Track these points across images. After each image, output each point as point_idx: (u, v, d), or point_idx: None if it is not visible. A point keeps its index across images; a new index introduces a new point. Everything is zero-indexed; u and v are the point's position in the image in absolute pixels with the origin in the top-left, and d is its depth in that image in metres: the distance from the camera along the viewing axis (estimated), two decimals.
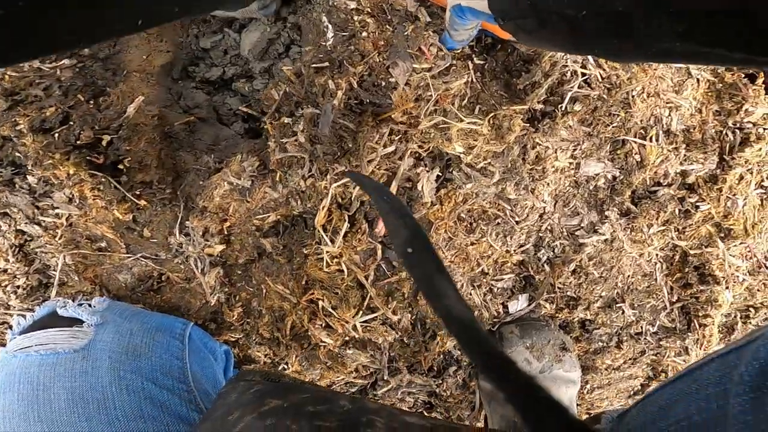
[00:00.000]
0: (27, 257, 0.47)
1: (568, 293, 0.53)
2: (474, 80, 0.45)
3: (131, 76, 0.50)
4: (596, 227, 0.51)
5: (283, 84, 0.49)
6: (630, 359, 0.59)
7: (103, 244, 0.49)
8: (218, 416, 0.40)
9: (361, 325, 0.51)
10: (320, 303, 0.50)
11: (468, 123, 0.44)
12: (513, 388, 0.19)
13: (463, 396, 0.56)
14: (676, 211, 0.51)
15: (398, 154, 0.45)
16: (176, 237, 0.50)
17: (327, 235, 0.45)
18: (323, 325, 0.52)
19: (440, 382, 0.55)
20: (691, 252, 0.53)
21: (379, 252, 0.48)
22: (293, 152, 0.45)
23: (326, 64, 0.44)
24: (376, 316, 0.51)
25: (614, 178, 0.50)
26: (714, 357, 0.30)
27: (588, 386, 0.60)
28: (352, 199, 0.45)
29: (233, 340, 0.55)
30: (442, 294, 0.20)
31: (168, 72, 0.57)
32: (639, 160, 0.49)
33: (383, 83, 0.44)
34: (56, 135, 0.42)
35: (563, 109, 0.45)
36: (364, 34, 0.43)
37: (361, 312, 0.50)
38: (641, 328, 0.56)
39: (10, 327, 0.53)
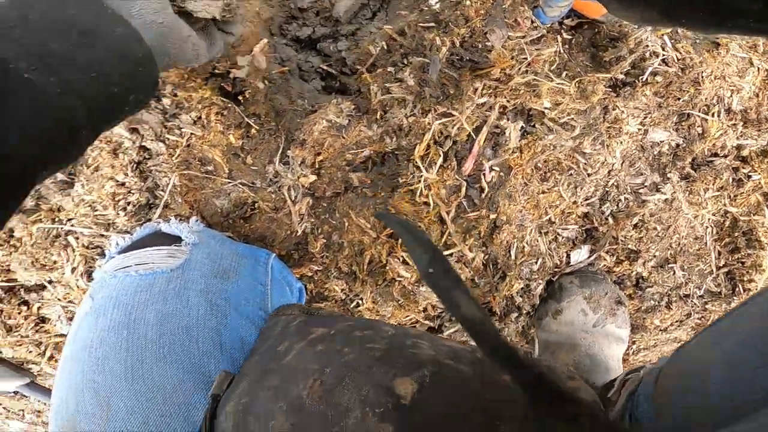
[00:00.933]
0: (142, 174, 0.53)
1: (629, 246, 0.58)
2: (562, 51, 0.52)
3: (247, 24, 0.56)
4: (658, 187, 0.57)
5: (380, 41, 0.55)
6: (677, 321, 0.64)
7: (210, 168, 0.55)
8: (265, 350, 0.42)
9: None
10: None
11: (557, 83, 0.50)
12: (527, 378, 0.21)
13: (521, 343, 0.61)
14: (730, 180, 0.58)
15: (487, 105, 0.52)
16: (275, 165, 0.55)
17: (424, 166, 0.51)
18: (401, 260, 0.57)
19: (502, 326, 0.60)
20: (741, 218, 0.59)
21: (463, 189, 0.54)
22: (398, 94, 0.51)
23: (432, 24, 0.51)
24: (452, 253, 0.56)
25: (677, 145, 0.57)
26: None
27: (634, 347, 0.65)
28: (449, 137, 0.51)
29: (309, 275, 0.60)
30: (460, 303, 0.24)
31: (268, 26, 0.64)
32: (701, 132, 0.56)
33: (480, 45, 0.51)
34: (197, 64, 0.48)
35: (644, 80, 0.51)
36: (468, 2, 0.50)
37: (440, 246, 0.56)
38: (689, 290, 0.62)
39: (102, 254, 0.57)
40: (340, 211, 0.58)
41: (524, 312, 0.61)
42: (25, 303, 0.64)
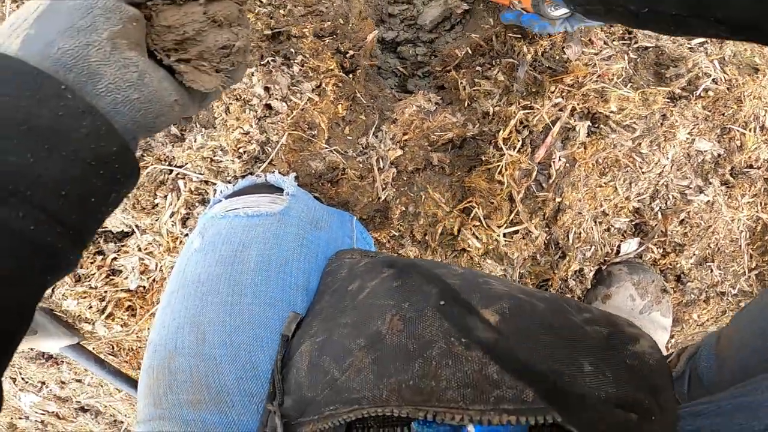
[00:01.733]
0: (261, 128, 0.61)
1: (676, 239, 0.66)
2: (628, 67, 0.62)
3: (355, 18, 0.67)
4: (702, 189, 0.66)
5: (464, 46, 0.66)
6: (713, 317, 0.70)
7: (314, 132, 0.63)
8: (335, 289, 0.43)
9: (505, 237, 0.64)
10: (474, 211, 0.63)
11: (624, 92, 0.60)
12: (549, 393, 0.22)
13: None
14: (762, 189, 0.66)
15: (561, 105, 0.62)
16: (368, 138, 0.64)
17: (506, 147, 0.59)
18: (472, 232, 0.64)
19: None
20: None
21: (534, 174, 0.62)
22: (487, 87, 0.61)
23: (520, 35, 0.61)
24: (518, 230, 0.64)
25: (719, 155, 0.66)
26: None
27: (672, 341, 0.71)
28: (527, 126, 0.60)
29: (384, 241, 0.67)
30: (473, 327, 0.24)
31: None
32: (739, 144, 0.66)
33: (557, 57, 0.61)
34: (327, 41, 0.58)
35: (697, 94, 0.62)
36: None
37: (506, 223, 0.63)
38: (725, 288, 0.69)
39: (204, 202, 0.64)
40: (418, 185, 0.66)
41: (576, 295, 0.68)
42: (101, 252, 0.70)
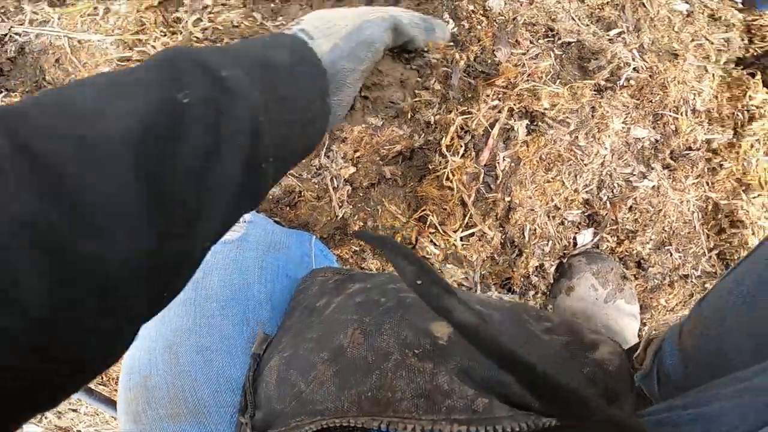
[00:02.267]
0: None
1: (627, 227, 0.68)
2: (555, 63, 0.67)
3: None
4: (645, 175, 0.68)
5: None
6: (681, 302, 0.71)
7: None
8: (304, 306, 0.45)
9: (462, 241, 0.66)
10: (429, 219, 0.65)
11: (553, 88, 0.65)
12: (531, 377, 0.21)
13: None
14: (706, 169, 0.69)
15: (498, 107, 0.65)
16: (320, 159, 0.67)
17: (449, 154, 0.63)
18: (430, 239, 0.66)
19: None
20: (722, 203, 0.69)
21: (481, 176, 0.65)
22: (426, 97, 0.65)
23: (451, 43, 0.66)
24: (474, 232, 0.66)
25: (656, 141, 0.69)
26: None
27: (645, 328, 0.72)
28: (468, 131, 0.64)
29: (346, 257, 0.69)
30: (452, 308, 0.24)
31: None
32: (674, 129, 0.69)
33: (489, 60, 0.66)
34: None
35: (621, 84, 0.66)
36: (479, 27, 0.66)
37: (461, 227, 0.65)
38: (687, 270, 0.70)
39: None
40: (374, 200, 0.69)
41: (540, 291, 0.69)
42: None
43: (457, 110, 0.63)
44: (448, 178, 0.63)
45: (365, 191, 0.70)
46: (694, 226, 0.71)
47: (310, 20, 0.40)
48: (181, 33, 0.52)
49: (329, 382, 0.35)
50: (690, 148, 0.70)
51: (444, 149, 0.63)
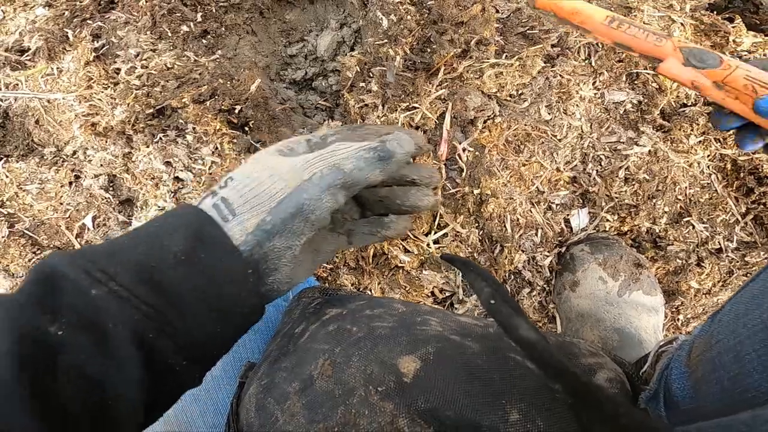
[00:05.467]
0: (178, 201, 0.68)
1: (626, 201, 0.61)
2: (498, 38, 0.66)
3: (247, 70, 0.78)
4: (636, 141, 0.63)
5: (354, 66, 0.74)
6: (719, 282, 0.60)
7: None
8: (286, 331, 0.46)
9: (435, 244, 0.62)
10: None
11: (494, 62, 0.64)
12: (577, 388, 0.24)
13: (541, 321, 0.60)
14: (710, 126, 0.62)
15: (444, 95, 0.65)
16: None
17: None
18: (402, 248, 0.63)
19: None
20: (740, 159, 0.61)
21: (444, 172, 0.63)
22: (369, 101, 0.66)
23: (385, 41, 0.69)
24: (447, 232, 0.62)
25: (639, 102, 0.64)
26: None
27: (681, 317, 0.61)
28: (419, 127, 0.63)
29: (324, 275, 0.68)
30: (519, 326, 0.27)
31: (267, 73, 0.86)
32: (657, 87, 0.64)
33: (428, 49, 0.67)
34: (208, 104, 0.68)
35: (572, 49, 0.64)
36: (409, 17, 0.68)
37: (433, 230, 0.62)
38: (718, 243, 0.61)
39: None
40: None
41: (537, 287, 0.62)
42: None
43: (400, 108, 0.63)
44: None
45: None
46: (716, 190, 0.62)
47: (236, 183, 0.33)
48: (120, 83, 0.59)
49: (299, 414, 0.36)
50: (684, 105, 0.64)
51: None
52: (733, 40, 0.63)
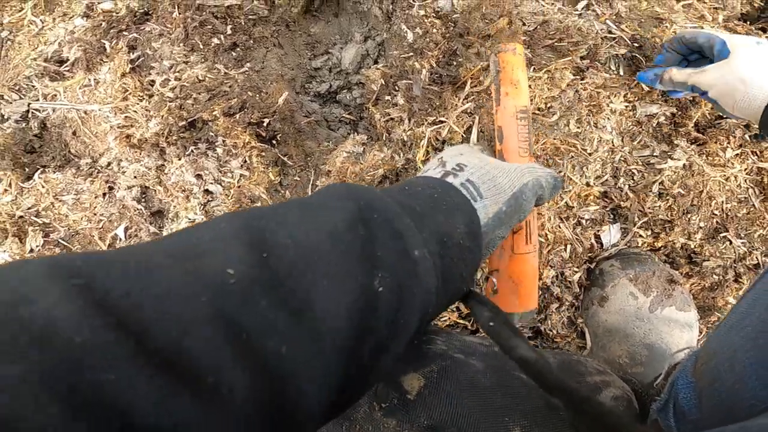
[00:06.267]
0: (207, 214, 0.70)
1: (660, 217, 0.60)
2: (524, 50, 0.67)
3: (274, 83, 0.80)
4: (669, 154, 0.62)
5: (378, 79, 0.75)
6: None
7: (258, 204, 0.71)
8: None
9: None
10: None
11: (528, 74, 0.64)
12: (579, 406, 0.25)
13: (570, 336, 0.60)
14: (747, 137, 0.61)
15: (471, 109, 0.65)
16: (308, 194, 0.71)
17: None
18: None
19: (543, 318, 0.60)
20: None
21: None
22: (395, 114, 0.67)
23: (411, 54, 0.70)
24: None
25: (673, 114, 0.63)
26: None
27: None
28: (445, 141, 0.64)
29: None
30: (517, 346, 0.28)
31: (293, 86, 0.88)
32: (691, 98, 0.63)
33: (454, 62, 0.68)
34: (237, 116, 0.69)
35: (602, 61, 0.63)
36: (434, 30, 0.69)
37: None
38: (756, 258, 0.59)
39: None
40: None
41: (566, 302, 0.62)
42: None
43: (427, 122, 0.63)
44: None
45: None
46: (753, 205, 0.61)
47: (472, 170, 0.36)
48: (155, 95, 0.61)
49: None
50: (720, 117, 0.63)
51: (420, 164, 0.63)
52: None
